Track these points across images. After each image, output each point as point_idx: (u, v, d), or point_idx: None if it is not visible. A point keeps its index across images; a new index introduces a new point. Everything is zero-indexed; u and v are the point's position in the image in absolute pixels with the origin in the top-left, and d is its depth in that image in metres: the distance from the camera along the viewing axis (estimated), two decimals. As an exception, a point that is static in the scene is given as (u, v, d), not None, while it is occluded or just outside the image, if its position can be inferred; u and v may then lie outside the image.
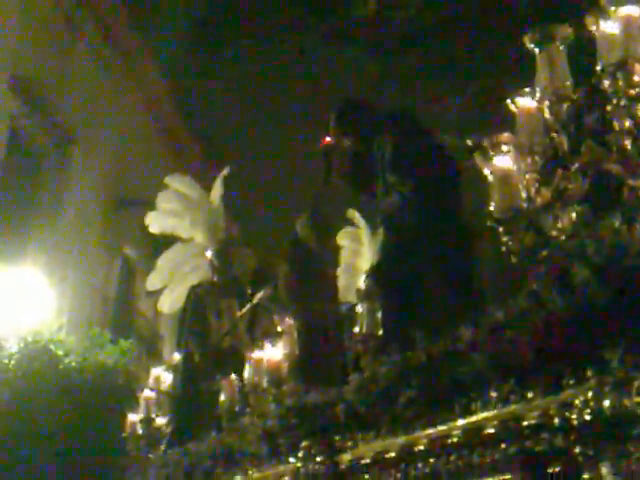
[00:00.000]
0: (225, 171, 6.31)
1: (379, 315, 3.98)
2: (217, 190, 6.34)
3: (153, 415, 5.97)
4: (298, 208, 5.66)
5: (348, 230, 6.15)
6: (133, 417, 6.08)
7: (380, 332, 3.93)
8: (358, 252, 6.08)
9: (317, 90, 9.00)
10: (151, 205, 6.69)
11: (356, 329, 4.00)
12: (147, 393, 6.05)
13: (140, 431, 5.97)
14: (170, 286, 6.39)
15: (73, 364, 8.17)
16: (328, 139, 5.03)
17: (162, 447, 5.85)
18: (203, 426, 5.42)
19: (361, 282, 4.37)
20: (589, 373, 2.50)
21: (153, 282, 6.49)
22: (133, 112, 12.52)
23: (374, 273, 4.32)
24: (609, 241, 2.61)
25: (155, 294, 6.91)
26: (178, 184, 6.49)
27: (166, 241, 6.79)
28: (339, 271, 5.77)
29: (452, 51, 8.26)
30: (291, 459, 4.07)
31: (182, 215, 6.34)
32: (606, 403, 2.42)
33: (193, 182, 6.51)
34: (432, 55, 8.48)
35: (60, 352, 8.12)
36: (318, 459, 3.84)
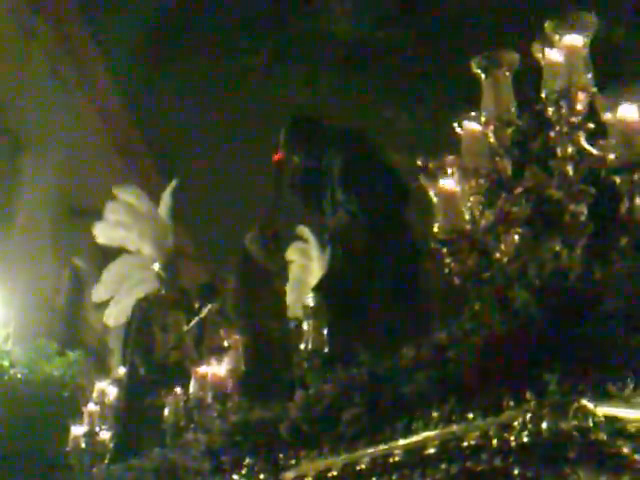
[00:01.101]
0: (173, 183, 6.29)
1: (325, 332, 3.98)
2: (166, 202, 6.31)
3: (97, 429, 5.90)
4: (248, 222, 5.65)
5: (297, 246, 6.17)
6: (77, 430, 6.00)
7: (325, 349, 3.94)
8: (307, 268, 6.10)
9: (268, 106, 9.02)
10: (102, 215, 6.63)
11: (302, 346, 4.00)
12: (91, 407, 5.98)
13: (84, 445, 5.90)
14: (116, 298, 6.33)
15: (19, 375, 8.06)
16: (279, 155, 5.04)
17: (105, 461, 5.78)
18: (147, 441, 5.37)
19: (308, 299, 4.38)
20: (528, 395, 2.53)
21: (99, 293, 6.43)
22: (86, 121, 12.42)
23: (320, 289, 4.33)
24: (549, 265, 2.65)
25: (104, 306, 6.85)
26: (126, 195, 6.44)
27: (117, 252, 6.74)
28: (288, 287, 5.77)
29: (405, 71, 8.34)
30: (234, 476, 4.05)
31: (130, 227, 6.29)
32: (544, 425, 2.45)
33: (142, 193, 6.47)
34: (384, 74, 8.56)
35: (5, 363, 8.00)
36: (261, 476, 3.83)
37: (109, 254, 7.26)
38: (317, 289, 4.40)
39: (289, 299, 5.55)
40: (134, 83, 11.67)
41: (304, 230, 6.09)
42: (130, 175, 12.54)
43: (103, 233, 6.44)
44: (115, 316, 6.33)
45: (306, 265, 6.08)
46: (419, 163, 3.63)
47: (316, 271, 5.93)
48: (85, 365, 9.38)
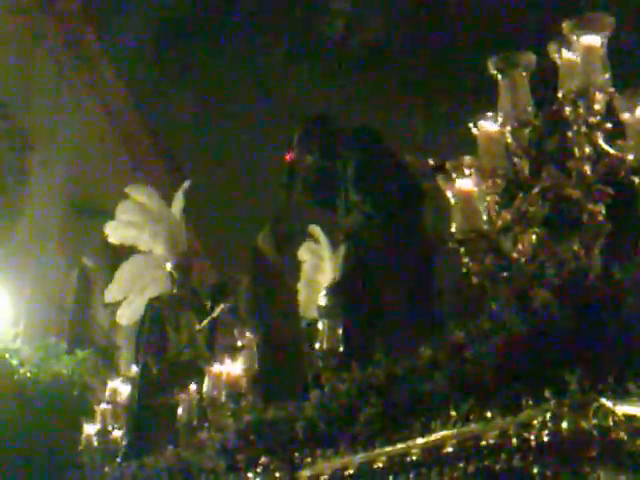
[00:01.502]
0: (186, 184, 6.30)
1: (340, 331, 3.99)
2: (178, 203, 6.32)
3: (109, 427, 5.92)
4: (260, 222, 5.66)
5: (309, 245, 6.18)
6: (89, 429, 6.02)
7: (341, 349, 3.95)
8: (319, 267, 6.11)
9: (281, 106, 9.03)
10: (111, 215, 6.64)
11: (317, 345, 4.02)
12: (103, 405, 6.00)
13: (96, 443, 5.92)
14: (129, 298, 6.34)
15: (28, 374, 8.06)
16: (292, 155, 5.05)
17: (118, 460, 5.80)
18: (160, 440, 5.38)
19: (321, 297, 4.39)
20: (547, 394, 2.54)
21: (112, 293, 6.44)
22: (94, 120, 12.43)
23: (335, 289, 4.35)
24: (569, 264, 2.67)
25: (112, 305, 6.86)
26: (138, 194, 6.45)
27: (125, 252, 6.75)
28: (300, 286, 5.79)
29: (418, 72, 8.34)
30: (249, 475, 4.06)
31: (142, 226, 6.29)
32: (564, 425, 2.46)
33: (153, 192, 6.47)
34: (399, 75, 8.56)
35: (15, 362, 8.00)
36: (277, 475, 3.84)
37: (118, 253, 7.28)
38: (331, 289, 4.41)
39: (301, 298, 5.57)
40: (142, 82, 11.69)
41: (315, 229, 6.09)
42: (139, 174, 12.55)
43: (115, 232, 6.45)
44: (128, 316, 6.34)
45: (317, 264, 6.09)
46: (431, 163, 3.64)
47: (327, 270, 5.94)
48: (94, 364, 9.38)
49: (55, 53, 11.54)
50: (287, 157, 5.07)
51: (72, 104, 11.73)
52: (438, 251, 4.16)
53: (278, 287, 5.30)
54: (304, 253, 6.19)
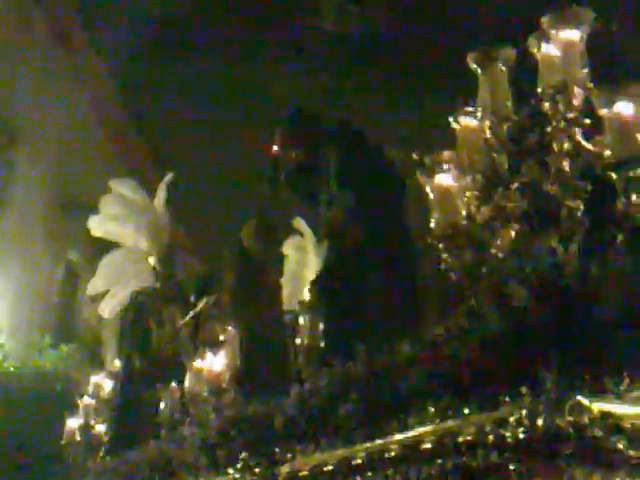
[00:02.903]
0: (168, 177, 6.26)
1: (321, 327, 3.99)
2: (161, 195, 6.28)
3: (92, 422, 5.90)
4: (243, 216, 5.64)
5: (294, 239, 6.14)
6: (72, 423, 6.01)
7: (322, 344, 3.94)
8: (303, 261, 6.08)
9: (266, 99, 9.01)
10: (97, 209, 6.59)
11: (298, 340, 4.01)
12: (86, 399, 5.98)
13: (78, 438, 5.91)
14: (111, 291, 6.30)
15: (11, 369, 8.04)
16: (275, 149, 5.04)
17: (101, 455, 5.78)
18: (142, 434, 5.37)
19: (305, 293, 4.38)
20: (524, 391, 2.53)
21: (94, 286, 6.40)
22: (80, 114, 12.38)
23: (317, 285, 4.34)
24: (546, 260, 2.66)
25: (98, 300, 6.82)
26: (122, 188, 6.40)
27: (111, 246, 6.70)
28: (284, 280, 5.76)
29: (405, 67, 8.32)
30: (230, 470, 4.06)
31: (125, 220, 6.25)
32: (540, 421, 2.45)
33: (137, 186, 6.43)
34: (385, 70, 8.54)
35: (-2, 356, 7.99)
36: (256, 471, 3.83)
37: (103, 248, 7.24)
38: (314, 284, 4.40)
39: (285, 292, 5.54)
40: (129, 75, 11.64)
41: (300, 223, 6.06)
42: (125, 168, 12.51)
43: (98, 227, 6.40)
44: (110, 309, 6.30)
45: (302, 258, 6.06)
46: (415, 158, 3.63)
47: (312, 264, 5.91)
48: (78, 358, 9.37)
49: (44, 48, 11.49)
50: (271, 151, 5.05)
51: (58, 98, 11.68)
52: (420, 247, 4.15)
53: (261, 281, 5.28)
54: (289, 247, 6.16)
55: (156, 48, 10.66)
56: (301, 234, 6.05)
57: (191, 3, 10.28)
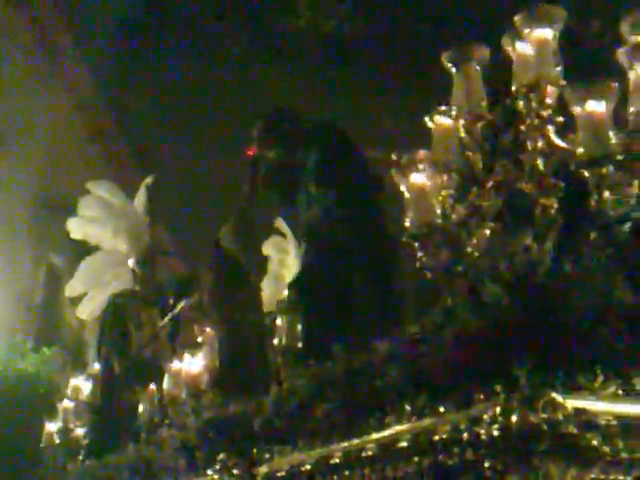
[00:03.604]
0: (148, 179, 6.25)
1: (299, 327, 3.98)
2: (141, 198, 6.26)
3: (71, 425, 5.88)
4: (223, 217, 5.62)
5: (275, 240, 6.14)
6: (51, 427, 5.98)
7: (300, 344, 3.93)
8: (284, 262, 6.07)
9: (244, 99, 9.00)
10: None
11: (276, 341, 4.00)
12: (66, 403, 5.95)
13: (58, 441, 5.88)
14: (90, 293, 6.28)
15: (-7, 372, 8.00)
16: (254, 149, 5.02)
17: (80, 458, 5.75)
18: (122, 437, 5.35)
19: (284, 293, 4.38)
20: (498, 389, 2.53)
21: (73, 288, 6.37)
22: (64, 116, 12.32)
23: (295, 285, 4.33)
24: (520, 258, 2.66)
25: (80, 302, 6.79)
26: (100, 190, 6.38)
27: (93, 248, 6.68)
28: (264, 281, 5.74)
29: (383, 65, 8.33)
30: (208, 471, 4.04)
31: (104, 222, 6.23)
32: (514, 419, 2.45)
33: (116, 188, 6.41)
34: (362, 68, 8.55)
35: (-21, 360, 7.94)
36: (235, 472, 3.82)
37: (86, 250, 7.20)
38: (292, 285, 4.39)
39: (265, 293, 5.53)
40: (111, 75, 11.61)
41: (281, 223, 6.05)
42: (108, 169, 12.45)
43: (77, 229, 6.38)
44: (89, 311, 6.28)
45: (282, 259, 6.05)
46: (393, 157, 3.62)
47: (292, 265, 5.90)
48: (61, 362, 9.31)
49: (27, 49, 11.44)
50: (249, 152, 5.04)
51: (42, 100, 11.62)
52: (398, 245, 4.14)
53: (241, 283, 5.26)
54: (269, 248, 6.15)
55: (138, 50, 10.64)
56: (282, 234, 6.04)
57: (174, 1, 10.29)
